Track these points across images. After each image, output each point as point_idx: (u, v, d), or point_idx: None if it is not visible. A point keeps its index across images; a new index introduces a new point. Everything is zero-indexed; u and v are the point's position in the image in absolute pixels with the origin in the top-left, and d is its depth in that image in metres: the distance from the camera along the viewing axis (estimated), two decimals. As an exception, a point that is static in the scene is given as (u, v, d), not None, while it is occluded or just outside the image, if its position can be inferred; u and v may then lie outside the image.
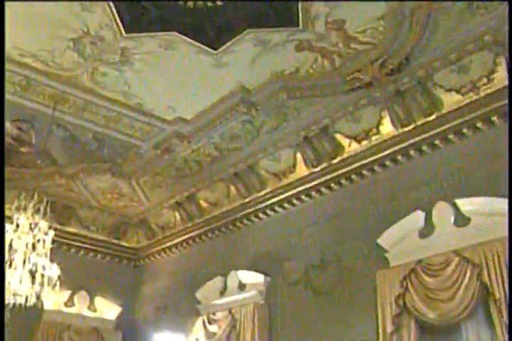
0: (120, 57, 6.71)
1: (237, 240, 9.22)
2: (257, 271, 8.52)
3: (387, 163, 7.30)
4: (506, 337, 5.45)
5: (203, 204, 9.69)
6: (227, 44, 6.45)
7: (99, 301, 10.50)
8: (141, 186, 9.87)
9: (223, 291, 8.91)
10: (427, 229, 6.61)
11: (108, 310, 10.55)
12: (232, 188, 9.11)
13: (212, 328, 8.61)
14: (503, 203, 5.99)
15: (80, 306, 10.23)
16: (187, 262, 10.09)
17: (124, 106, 7.75)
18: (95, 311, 10.41)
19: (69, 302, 10.15)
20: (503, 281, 5.64)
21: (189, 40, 6.38)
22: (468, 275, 5.94)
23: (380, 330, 6.48)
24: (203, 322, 8.79)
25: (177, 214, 10.14)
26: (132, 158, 9.08)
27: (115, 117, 7.99)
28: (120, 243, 11.13)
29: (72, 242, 10.47)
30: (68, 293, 10.08)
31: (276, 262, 8.36)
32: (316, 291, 7.62)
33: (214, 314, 8.72)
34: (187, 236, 10.05)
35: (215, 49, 6.53)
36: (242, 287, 8.63)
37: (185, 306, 9.56)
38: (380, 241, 6.96)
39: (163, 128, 8.20)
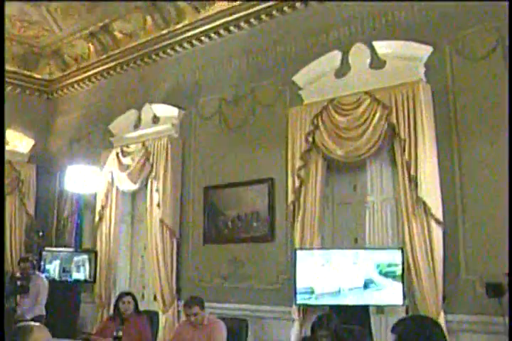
0: None
1: (152, 73, 9.01)
2: (171, 104, 8.46)
3: (309, 0, 7.10)
4: (406, 174, 5.77)
5: (118, 35, 9.29)
6: None
7: (11, 134, 10.25)
8: (52, 14, 9.30)
9: (137, 124, 8.86)
10: (343, 70, 6.62)
11: (21, 143, 10.39)
12: (149, 19, 8.71)
13: (126, 160, 8.67)
14: (419, 48, 6.05)
15: (-9, 139, 10.00)
16: (101, 95, 9.89)
17: None
18: (7, 144, 10.17)
19: (-21, 136, 9.87)
20: (409, 123, 5.85)
21: None
22: (377, 116, 6.10)
23: (289, 165, 6.69)
24: (117, 154, 8.82)
25: (91, 45, 9.71)
26: (42, -19, 8.47)
27: None
28: (31, 74, 10.66)
29: (-22, 73, 9.96)
30: (-22, 126, 9.77)
31: (191, 96, 8.31)
32: (229, 126, 7.72)
33: (128, 146, 8.75)
34: (101, 68, 9.74)
35: None
36: (156, 120, 8.60)
37: (99, 139, 9.54)
38: (295, 78, 6.95)
39: None
